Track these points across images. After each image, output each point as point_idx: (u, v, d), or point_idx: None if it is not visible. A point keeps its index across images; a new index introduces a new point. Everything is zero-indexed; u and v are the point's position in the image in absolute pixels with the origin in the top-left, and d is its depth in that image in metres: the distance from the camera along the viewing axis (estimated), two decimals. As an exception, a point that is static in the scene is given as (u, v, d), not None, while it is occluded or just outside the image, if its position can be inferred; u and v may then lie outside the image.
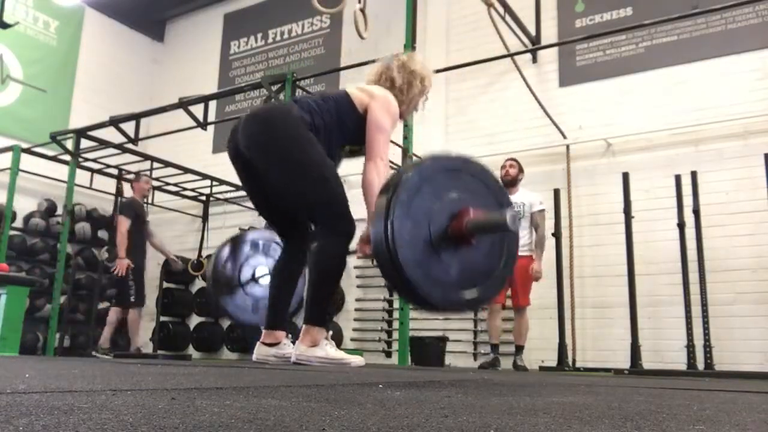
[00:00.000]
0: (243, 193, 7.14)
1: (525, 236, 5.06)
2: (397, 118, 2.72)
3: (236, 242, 3.65)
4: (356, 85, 2.77)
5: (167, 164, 7.03)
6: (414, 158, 4.28)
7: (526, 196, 5.13)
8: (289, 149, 2.49)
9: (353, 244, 2.63)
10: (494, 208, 2.28)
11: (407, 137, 4.38)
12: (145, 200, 6.44)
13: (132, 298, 6.06)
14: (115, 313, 6.16)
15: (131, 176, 6.72)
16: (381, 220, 2.04)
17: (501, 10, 5.80)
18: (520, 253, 5.11)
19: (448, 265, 2.13)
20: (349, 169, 3.33)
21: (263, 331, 2.81)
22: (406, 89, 2.78)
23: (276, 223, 2.86)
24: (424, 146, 5.95)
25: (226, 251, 3.57)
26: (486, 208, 2.26)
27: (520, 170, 5.26)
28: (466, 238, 2.14)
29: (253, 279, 3.58)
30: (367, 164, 2.56)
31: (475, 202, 2.23)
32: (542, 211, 5.08)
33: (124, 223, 5.88)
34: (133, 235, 5.92)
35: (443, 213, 2.14)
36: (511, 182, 5.17)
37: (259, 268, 3.59)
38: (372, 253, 2.25)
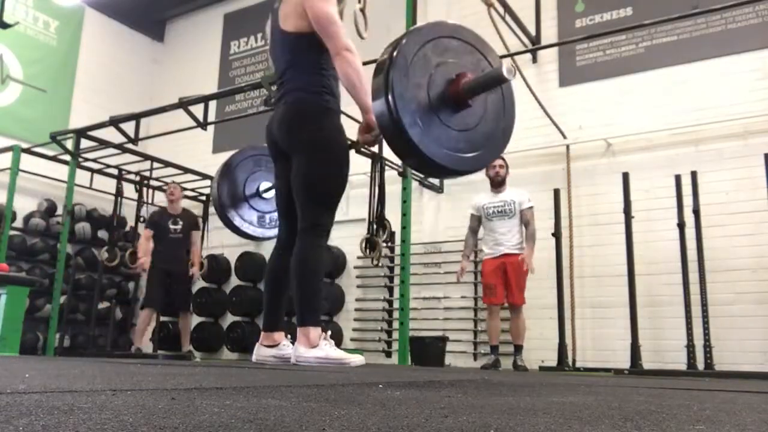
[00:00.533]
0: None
1: (516, 235, 5.17)
2: (335, 1, 2.59)
3: (235, 161, 3.68)
4: (280, 11, 2.66)
5: (167, 164, 7.03)
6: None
7: (515, 194, 5.26)
8: (319, 147, 2.57)
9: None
10: (485, 66, 2.35)
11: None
12: (172, 208, 6.67)
13: (141, 299, 6.36)
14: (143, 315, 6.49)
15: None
16: (382, 95, 2.10)
17: (501, 10, 5.79)
18: (512, 251, 5.17)
19: (450, 127, 2.21)
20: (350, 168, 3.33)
21: (262, 333, 2.81)
22: None
23: (288, 216, 2.84)
24: (424, 146, 5.97)
25: (229, 166, 3.61)
26: (476, 69, 2.32)
27: (508, 170, 5.41)
28: (465, 100, 2.21)
29: (257, 193, 3.62)
30: (336, 62, 2.50)
31: (469, 66, 2.30)
32: (531, 208, 5.24)
33: (143, 234, 6.44)
34: (155, 242, 6.35)
35: (439, 79, 2.21)
36: (501, 182, 5.34)
37: (263, 183, 3.64)
38: (374, 142, 2.44)
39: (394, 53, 2.13)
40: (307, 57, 2.61)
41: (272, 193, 3.59)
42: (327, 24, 2.50)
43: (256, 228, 3.59)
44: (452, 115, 2.20)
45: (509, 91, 2.42)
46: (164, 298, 6.41)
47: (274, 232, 3.83)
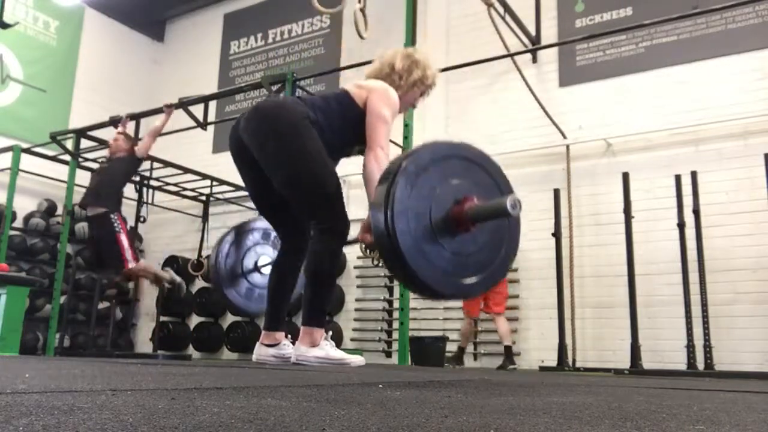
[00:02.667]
0: (243, 193, 7.15)
1: None
2: (397, 108, 2.69)
3: (240, 231, 3.65)
4: (354, 83, 2.75)
5: (167, 164, 7.02)
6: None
7: None
8: (290, 144, 2.48)
9: (354, 234, 2.63)
10: (496, 195, 2.28)
11: (407, 137, 4.37)
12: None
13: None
14: None
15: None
16: (381, 207, 2.04)
17: (501, 10, 5.80)
18: None
19: (448, 251, 2.14)
20: (350, 169, 3.33)
21: (263, 332, 2.81)
22: (406, 75, 2.75)
23: (275, 221, 2.85)
24: (424, 146, 5.97)
25: (229, 240, 3.57)
26: (487, 194, 2.26)
27: None
28: (467, 225, 2.14)
29: (256, 268, 3.58)
30: (368, 154, 2.54)
31: (476, 188, 2.23)
32: None
33: None
34: None
35: (444, 199, 2.14)
36: None
37: (262, 257, 3.60)
38: (373, 241, 2.26)
39: (402, 165, 2.06)
40: (349, 114, 2.62)
41: (269, 268, 3.54)
42: (378, 121, 2.57)
43: (241, 299, 3.54)
44: (452, 238, 2.12)
45: (515, 221, 2.31)
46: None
47: (258, 307, 3.75)
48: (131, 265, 5.01)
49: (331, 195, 2.54)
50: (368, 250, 3.47)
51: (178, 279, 5.46)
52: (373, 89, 2.65)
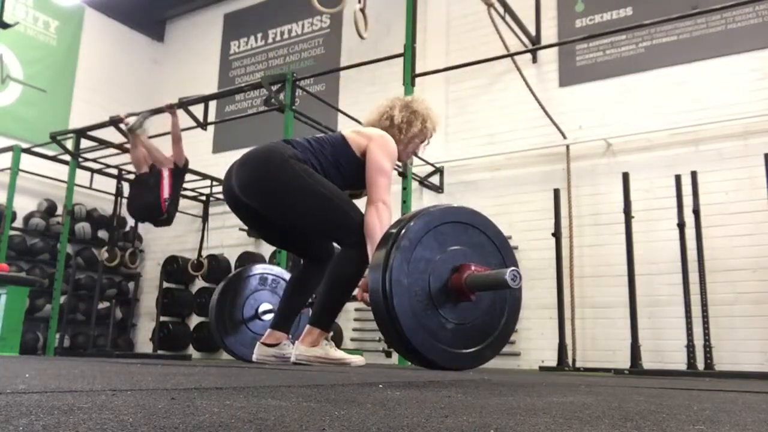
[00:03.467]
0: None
1: None
2: (396, 158, 2.66)
3: (237, 278, 3.62)
4: (352, 129, 2.73)
5: (167, 164, 7.01)
6: (412, 169, 4.27)
7: None
8: (285, 181, 2.44)
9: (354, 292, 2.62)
10: (497, 264, 2.23)
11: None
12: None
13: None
14: None
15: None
16: (379, 271, 2.01)
17: (501, 10, 5.80)
18: None
19: (446, 320, 2.09)
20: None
21: (267, 329, 2.84)
22: (405, 128, 2.72)
23: (292, 249, 2.87)
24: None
25: (225, 289, 3.54)
26: (488, 263, 2.21)
27: None
28: (466, 294, 2.11)
29: (256, 315, 3.55)
30: (368, 208, 2.49)
31: (473, 251, 2.19)
32: None
33: None
34: None
35: (443, 266, 2.10)
36: None
37: (263, 304, 3.57)
38: (369, 303, 2.21)
39: (402, 231, 2.05)
40: (343, 160, 2.58)
41: (270, 315, 3.52)
42: (378, 174, 2.53)
43: (244, 348, 3.51)
44: (452, 308, 2.10)
45: (516, 292, 2.29)
46: None
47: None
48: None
49: (342, 210, 2.50)
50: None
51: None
52: (373, 138, 2.61)
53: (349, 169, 2.58)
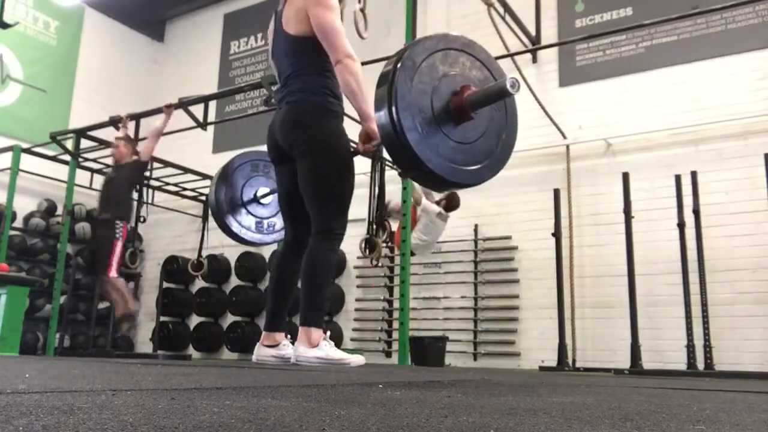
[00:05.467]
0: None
1: None
2: (337, 6, 2.61)
3: (231, 167, 3.68)
4: (283, 16, 2.68)
5: (167, 164, 7.02)
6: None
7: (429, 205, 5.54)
8: (323, 149, 2.58)
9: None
10: (489, 81, 2.33)
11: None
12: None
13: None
14: None
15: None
16: (384, 106, 2.09)
17: (501, 10, 5.79)
18: None
19: (453, 140, 2.20)
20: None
21: (263, 332, 2.82)
22: None
23: (293, 218, 2.84)
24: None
25: (224, 175, 3.60)
26: (480, 82, 2.31)
27: None
28: (468, 113, 2.20)
29: (255, 199, 3.62)
30: (337, 67, 2.51)
31: (473, 78, 2.29)
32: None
33: None
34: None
35: (443, 91, 2.19)
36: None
37: (261, 188, 3.64)
38: (374, 150, 2.43)
39: (399, 63, 2.12)
40: (310, 59, 2.62)
41: (270, 198, 3.58)
42: (329, 31, 2.52)
43: (254, 234, 3.59)
44: (454, 127, 2.20)
45: (513, 108, 2.41)
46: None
47: (272, 237, 3.81)
48: (113, 274, 5.09)
49: (344, 201, 2.61)
50: (367, 250, 3.46)
51: (134, 319, 5.53)
52: (305, 3, 2.56)
53: (321, 52, 2.56)
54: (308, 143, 2.59)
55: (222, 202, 3.58)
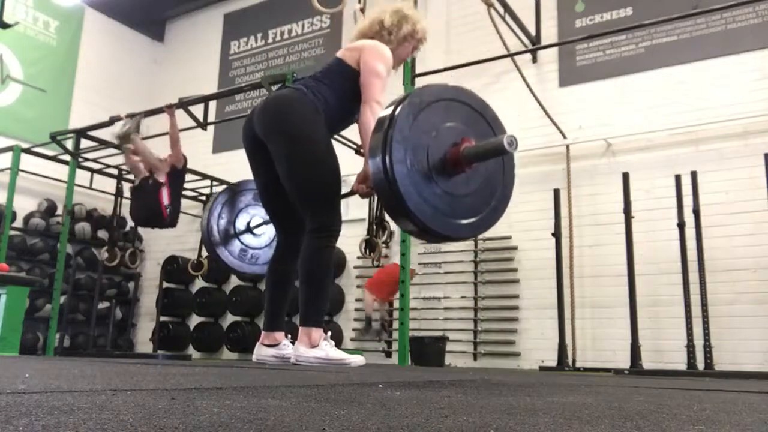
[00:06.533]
0: (243, 193, 7.15)
1: None
2: (391, 62, 2.71)
3: (231, 192, 3.65)
4: (345, 47, 2.80)
5: (167, 164, 7.01)
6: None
7: None
8: (302, 139, 2.55)
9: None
10: (490, 137, 2.31)
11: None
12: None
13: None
14: None
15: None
16: (379, 153, 2.07)
17: (501, 10, 5.79)
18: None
19: (446, 192, 2.17)
20: (350, 169, 3.33)
21: (262, 332, 2.81)
22: (395, 31, 2.77)
23: (276, 216, 2.85)
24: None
25: (221, 200, 3.57)
26: (483, 137, 2.29)
27: None
28: (462, 166, 2.18)
29: (248, 229, 3.58)
30: (363, 107, 2.58)
31: (474, 135, 2.27)
32: None
33: None
34: None
35: (441, 141, 2.17)
36: None
37: (255, 218, 3.61)
38: (372, 187, 2.33)
39: (397, 111, 2.09)
40: (338, 79, 2.68)
41: (263, 228, 3.55)
42: (372, 74, 2.62)
43: (234, 259, 3.54)
44: (449, 179, 2.16)
45: (510, 163, 2.37)
46: None
47: (252, 269, 3.75)
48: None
49: (331, 195, 2.58)
50: (367, 250, 3.48)
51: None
52: (364, 47, 2.68)
53: (353, 86, 2.65)
54: (284, 132, 2.56)
55: (215, 233, 3.54)
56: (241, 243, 3.55)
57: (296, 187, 2.60)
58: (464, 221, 2.22)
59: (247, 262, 3.52)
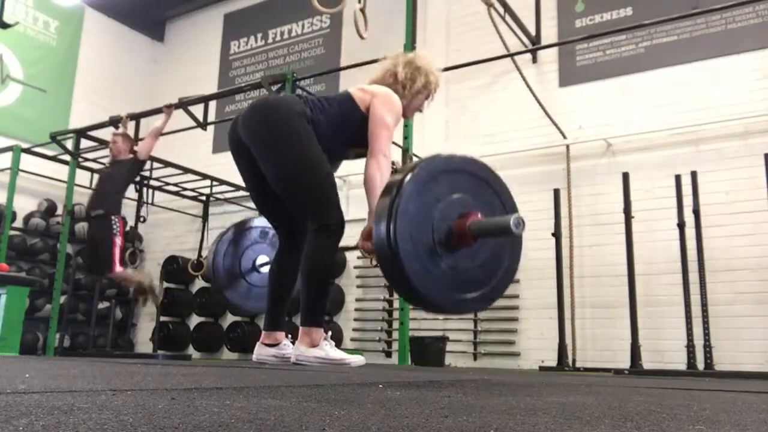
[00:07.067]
0: (243, 193, 7.15)
1: None
2: (400, 114, 2.69)
3: (237, 229, 3.64)
4: (358, 86, 2.75)
5: (167, 164, 7.02)
6: (414, 158, 4.29)
7: None
8: (286, 141, 2.48)
9: (354, 242, 2.62)
10: (500, 212, 2.27)
11: (407, 137, 4.38)
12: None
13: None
14: None
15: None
16: (383, 221, 2.02)
17: (501, 10, 5.80)
18: None
19: (450, 266, 2.12)
20: (350, 169, 3.33)
21: (263, 332, 2.81)
22: (409, 84, 2.75)
23: (273, 218, 2.85)
24: (424, 146, 5.96)
25: (227, 239, 3.56)
26: (491, 211, 2.24)
27: None
28: (468, 240, 2.13)
29: (254, 268, 3.57)
30: (369, 160, 2.53)
31: (482, 206, 2.22)
32: None
33: None
34: None
35: (447, 214, 2.12)
36: None
37: (261, 257, 3.59)
38: (374, 253, 2.23)
39: (406, 179, 2.05)
40: (341, 114, 2.61)
41: (267, 267, 3.54)
42: (380, 127, 2.57)
43: (243, 299, 3.52)
44: (452, 253, 2.11)
45: (517, 242, 2.32)
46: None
47: (257, 306, 3.73)
48: (117, 269, 5.07)
49: (326, 193, 2.54)
50: (368, 256, 3.45)
51: (157, 292, 5.41)
52: (377, 94, 2.65)
53: (355, 125, 2.61)
54: (269, 133, 2.51)
55: (221, 272, 3.52)
56: (247, 282, 3.54)
57: (290, 192, 2.58)
58: (470, 295, 2.17)
59: (252, 299, 3.51)
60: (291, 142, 2.48)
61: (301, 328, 2.56)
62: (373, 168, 2.49)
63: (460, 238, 2.12)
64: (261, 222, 3.69)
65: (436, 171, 2.14)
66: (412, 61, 2.80)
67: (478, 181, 2.26)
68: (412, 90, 2.77)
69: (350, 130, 2.62)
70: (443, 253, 2.10)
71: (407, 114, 2.85)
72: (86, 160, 6.80)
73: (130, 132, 5.77)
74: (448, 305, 2.16)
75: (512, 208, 2.31)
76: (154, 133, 5.29)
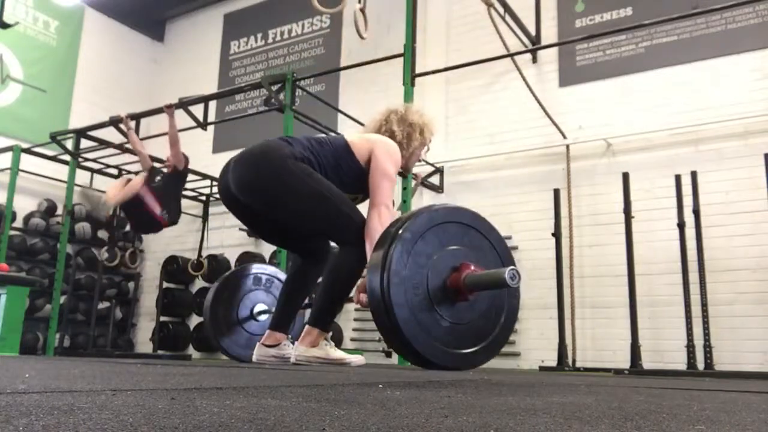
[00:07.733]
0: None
1: None
2: (399, 165, 2.69)
3: (230, 279, 3.63)
4: (356, 134, 2.76)
5: (167, 164, 7.02)
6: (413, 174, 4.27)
7: None
8: (285, 188, 2.44)
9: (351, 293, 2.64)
10: (495, 264, 2.24)
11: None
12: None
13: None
14: None
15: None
16: (377, 272, 2.02)
17: (501, 10, 5.80)
18: None
19: (444, 320, 2.10)
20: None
21: (266, 331, 2.83)
22: (406, 143, 2.77)
23: (288, 247, 2.89)
24: (424, 146, 5.96)
25: (220, 289, 3.55)
26: (484, 258, 2.22)
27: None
28: (464, 293, 2.11)
29: (251, 316, 3.56)
30: (371, 211, 2.51)
31: (474, 253, 2.19)
32: None
33: None
34: None
35: (441, 267, 2.11)
36: None
37: (258, 304, 3.58)
38: (368, 305, 2.23)
39: (400, 231, 2.06)
40: (339, 161, 2.57)
41: (265, 315, 3.54)
42: (383, 178, 2.55)
43: (244, 350, 3.50)
44: (450, 307, 2.09)
45: (514, 291, 2.30)
46: None
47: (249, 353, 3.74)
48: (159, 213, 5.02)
49: (343, 212, 2.50)
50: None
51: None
52: (378, 143, 2.63)
53: (350, 174, 2.59)
54: (266, 183, 2.44)
55: (220, 322, 3.51)
56: (245, 331, 3.54)
57: (307, 226, 2.62)
58: (467, 350, 2.15)
59: (252, 348, 3.51)
60: (291, 186, 2.43)
61: (306, 327, 2.57)
62: (375, 220, 2.46)
63: (456, 291, 2.10)
64: (253, 269, 3.69)
65: (421, 229, 2.12)
66: (405, 118, 2.79)
67: (468, 230, 2.23)
68: (410, 149, 2.79)
69: (343, 176, 2.58)
70: (439, 307, 2.09)
71: (408, 167, 2.89)
72: (86, 160, 6.81)
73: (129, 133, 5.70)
74: (440, 359, 2.12)
75: (508, 259, 2.28)
76: (171, 140, 5.16)
